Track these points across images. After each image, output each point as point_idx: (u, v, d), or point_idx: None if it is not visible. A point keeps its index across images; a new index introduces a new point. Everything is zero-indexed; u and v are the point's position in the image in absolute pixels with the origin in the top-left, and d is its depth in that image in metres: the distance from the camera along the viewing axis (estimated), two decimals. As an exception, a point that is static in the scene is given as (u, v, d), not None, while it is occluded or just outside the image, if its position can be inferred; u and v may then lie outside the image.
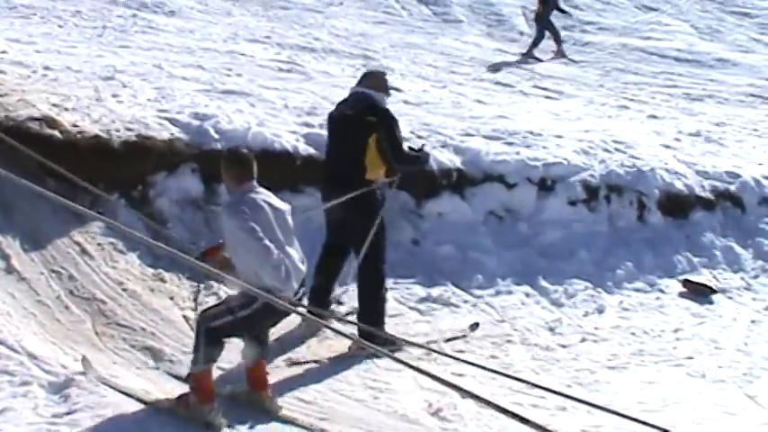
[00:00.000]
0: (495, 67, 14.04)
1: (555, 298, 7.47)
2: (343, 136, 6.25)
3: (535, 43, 15.74)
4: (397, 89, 10.97)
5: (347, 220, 6.17)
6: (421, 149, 6.70)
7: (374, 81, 6.39)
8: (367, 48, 13.77)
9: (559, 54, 15.88)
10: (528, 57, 15.41)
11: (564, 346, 6.59)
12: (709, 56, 17.24)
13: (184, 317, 6.16)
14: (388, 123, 6.16)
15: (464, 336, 6.60)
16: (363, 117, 6.15)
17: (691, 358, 6.54)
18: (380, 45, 14.20)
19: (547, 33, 16.02)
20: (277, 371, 5.54)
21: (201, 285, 6.12)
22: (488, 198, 8.24)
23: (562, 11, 16.63)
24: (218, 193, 7.50)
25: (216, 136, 7.70)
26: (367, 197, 6.13)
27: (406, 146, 6.59)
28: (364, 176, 6.16)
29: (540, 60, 15.28)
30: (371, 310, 6.09)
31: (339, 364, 5.86)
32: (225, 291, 6.60)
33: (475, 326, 6.73)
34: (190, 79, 9.54)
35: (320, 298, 6.26)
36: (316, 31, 14.31)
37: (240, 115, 8.30)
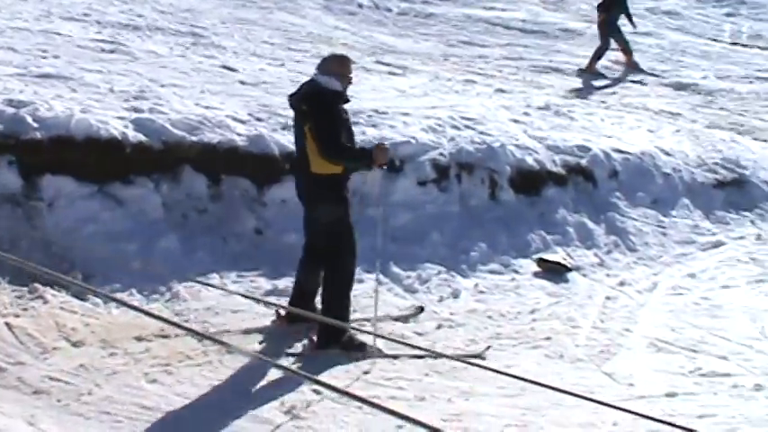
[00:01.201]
0: (333, 43, 14.13)
1: (408, 284, 7.65)
2: (294, 125, 6.53)
3: (599, 55, 14.96)
4: (231, 69, 10.91)
5: (306, 217, 6.53)
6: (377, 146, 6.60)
7: (326, 66, 6.47)
8: (195, 24, 13.61)
9: (632, 65, 15.21)
10: (589, 72, 14.61)
11: (420, 334, 6.76)
12: (555, 26, 17.88)
13: (7, 324, 5.99)
14: (316, 111, 6.21)
15: (409, 316, 7.00)
16: (300, 105, 6.33)
17: (548, 339, 6.82)
18: (210, 21, 14.06)
19: (613, 42, 15.29)
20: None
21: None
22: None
23: (630, 17, 15.68)
24: (40, 188, 7.30)
25: (34, 125, 7.49)
26: (319, 193, 6.31)
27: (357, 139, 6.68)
28: (310, 170, 6.26)
29: (604, 77, 14.66)
30: (336, 309, 6.23)
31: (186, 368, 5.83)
32: (52, 293, 6.45)
33: (420, 309, 7.16)
34: (0, 63, 9.21)
35: (300, 297, 6.56)
36: (138, 6, 14.03)
37: (61, 101, 8.09)
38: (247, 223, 7.88)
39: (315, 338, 6.33)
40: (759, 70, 15.77)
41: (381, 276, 7.10)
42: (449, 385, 5.83)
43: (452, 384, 5.84)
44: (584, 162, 9.80)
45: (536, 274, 8.26)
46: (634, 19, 15.97)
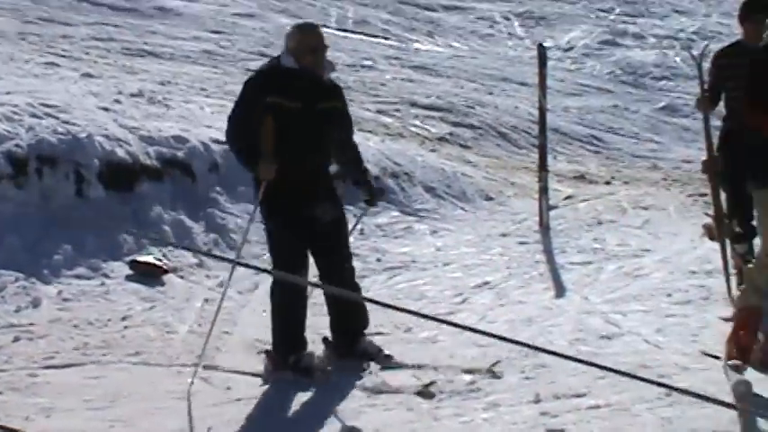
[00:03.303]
0: None
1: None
2: None
3: None
4: None
5: None
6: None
7: (285, 41, 6.43)
8: None
9: None
10: None
11: (-4, 348, 6.72)
12: (149, 4, 18.05)
13: None
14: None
15: None
16: None
17: (142, 346, 7.03)
18: None
19: None
20: None
21: None
22: None
23: None
24: None
25: None
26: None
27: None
28: None
29: None
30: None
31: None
32: None
33: None
34: None
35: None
36: None
37: None
38: None
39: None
40: (365, 59, 16.92)
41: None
42: (27, 402, 5.87)
43: (31, 401, 5.89)
44: (181, 154, 10.06)
45: (129, 278, 8.43)
46: None
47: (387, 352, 6.73)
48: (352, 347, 6.69)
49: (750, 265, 6.33)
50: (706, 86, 7.84)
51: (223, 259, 8.41)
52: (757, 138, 5.92)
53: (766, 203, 6.03)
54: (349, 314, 6.72)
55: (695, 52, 8.98)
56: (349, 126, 6.87)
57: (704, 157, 8.01)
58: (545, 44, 13.37)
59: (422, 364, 6.59)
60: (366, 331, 6.83)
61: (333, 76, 6.76)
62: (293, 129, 6.35)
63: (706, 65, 8.03)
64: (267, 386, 6.40)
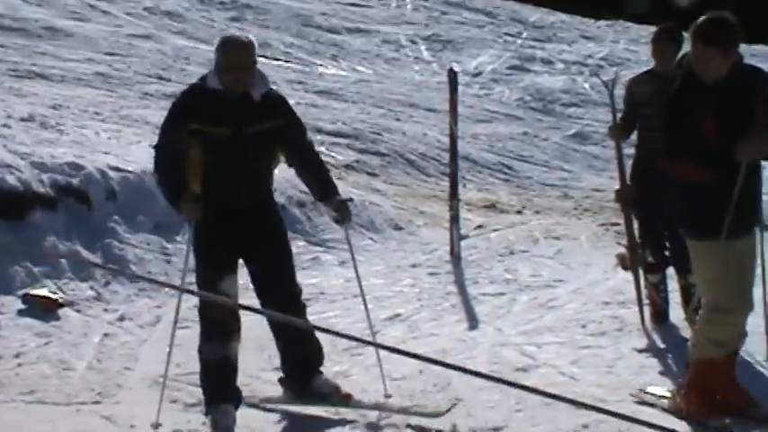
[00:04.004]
0: None
1: None
2: None
3: None
4: None
5: None
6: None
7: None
8: None
9: None
10: None
11: None
12: (38, 24, 17.91)
13: None
14: None
15: None
16: None
17: (36, 384, 6.98)
18: None
19: None
20: None
21: None
22: None
23: None
24: None
25: None
26: None
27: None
28: None
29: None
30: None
31: None
32: None
33: None
34: None
35: None
36: None
37: None
38: None
39: None
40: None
41: None
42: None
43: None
44: (76, 182, 10.00)
45: (21, 313, 8.35)
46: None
47: (345, 391, 6.58)
48: (307, 386, 6.55)
49: (699, 321, 6.12)
50: (619, 114, 8.09)
51: (169, 286, 8.36)
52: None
53: (702, 257, 5.97)
54: (299, 347, 6.51)
55: (606, 78, 9.26)
56: (299, 136, 6.38)
57: (617, 186, 8.24)
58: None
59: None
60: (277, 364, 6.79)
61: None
62: (222, 157, 5.98)
63: (618, 91, 8.28)
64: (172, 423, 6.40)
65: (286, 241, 6.49)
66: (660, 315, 8.14)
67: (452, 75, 11.16)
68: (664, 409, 6.24)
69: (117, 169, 10.52)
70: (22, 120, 11.51)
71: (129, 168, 10.65)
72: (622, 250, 8.29)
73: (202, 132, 5.89)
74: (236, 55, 5.91)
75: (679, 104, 5.82)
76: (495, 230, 11.94)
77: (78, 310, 8.61)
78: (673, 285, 8.11)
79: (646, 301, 8.15)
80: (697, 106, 5.73)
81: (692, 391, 6.11)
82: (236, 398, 6.33)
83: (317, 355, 6.62)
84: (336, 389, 6.58)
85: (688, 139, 5.72)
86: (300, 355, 6.56)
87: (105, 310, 8.74)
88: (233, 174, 6.04)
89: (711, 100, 5.72)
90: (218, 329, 6.20)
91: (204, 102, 5.93)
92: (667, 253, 7.96)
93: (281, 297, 6.30)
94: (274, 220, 6.44)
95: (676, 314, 8.09)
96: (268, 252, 6.35)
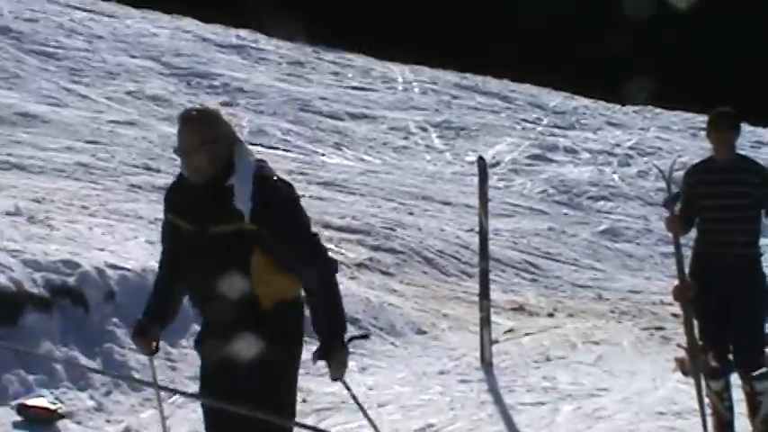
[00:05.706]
0: None
1: None
2: None
3: None
4: None
5: None
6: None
7: None
8: None
9: None
10: None
11: None
12: (10, 109, 18.18)
13: None
14: None
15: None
16: None
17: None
18: None
19: None
20: None
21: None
22: None
23: None
24: None
25: None
26: None
27: None
28: None
29: None
30: None
31: None
32: None
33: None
34: None
35: None
36: None
37: None
38: None
39: None
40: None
41: None
42: None
43: None
44: (71, 281, 10.16)
45: (17, 425, 8.46)
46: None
47: None
48: None
49: None
50: (677, 205, 8.31)
51: (180, 393, 8.49)
52: None
53: None
54: None
55: (663, 166, 9.55)
56: (292, 246, 5.31)
57: (676, 283, 8.44)
58: (467, 158, 13.94)
59: None
60: None
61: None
62: (187, 260, 5.39)
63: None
64: None
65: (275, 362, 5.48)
66: (725, 426, 8.25)
67: (482, 163, 11.47)
68: None
69: (114, 267, 10.67)
70: (9, 214, 11.71)
71: (128, 266, 10.80)
72: (681, 353, 8.44)
73: (175, 227, 5.40)
74: (179, 134, 5.22)
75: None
76: (527, 334, 12.15)
77: (78, 422, 8.73)
78: (738, 393, 8.25)
79: (708, 411, 8.27)
80: None
81: None
82: None
83: None
84: None
85: None
86: None
87: (108, 421, 8.86)
88: (200, 281, 5.36)
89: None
90: None
91: (176, 189, 5.47)
92: (731, 357, 8.13)
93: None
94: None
95: (742, 425, 8.21)
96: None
